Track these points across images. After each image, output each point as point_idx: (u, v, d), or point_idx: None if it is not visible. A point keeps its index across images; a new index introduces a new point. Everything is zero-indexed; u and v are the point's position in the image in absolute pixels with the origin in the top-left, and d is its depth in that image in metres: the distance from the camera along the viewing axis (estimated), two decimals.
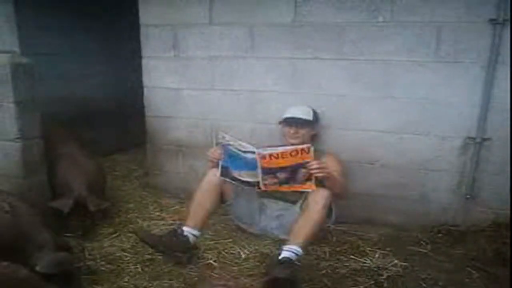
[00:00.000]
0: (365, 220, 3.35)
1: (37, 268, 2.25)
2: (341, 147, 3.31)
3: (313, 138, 3.26)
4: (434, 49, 3.03)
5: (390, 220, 3.33)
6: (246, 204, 3.09)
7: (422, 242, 3.05)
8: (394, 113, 3.21)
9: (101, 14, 4.76)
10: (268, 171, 2.67)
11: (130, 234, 3.15)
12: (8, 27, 4.09)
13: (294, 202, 3.00)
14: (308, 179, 2.65)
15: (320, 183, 2.74)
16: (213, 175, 2.91)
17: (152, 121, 3.91)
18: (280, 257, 2.56)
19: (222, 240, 3.11)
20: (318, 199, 2.70)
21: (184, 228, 2.85)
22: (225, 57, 3.54)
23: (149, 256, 2.86)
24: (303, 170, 2.63)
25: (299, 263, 2.57)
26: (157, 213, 3.56)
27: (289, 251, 2.57)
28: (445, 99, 3.08)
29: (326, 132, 3.37)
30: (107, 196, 3.54)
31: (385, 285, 2.59)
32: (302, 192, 2.82)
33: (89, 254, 2.88)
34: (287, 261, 2.52)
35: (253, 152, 2.64)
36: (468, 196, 3.15)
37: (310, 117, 3.15)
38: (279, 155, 2.61)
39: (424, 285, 2.58)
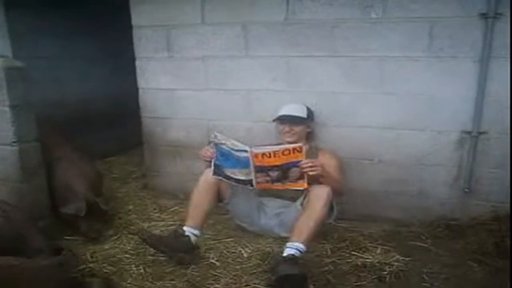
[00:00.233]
0: (365, 216, 3.37)
1: None
2: (338, 144, 3.32)
3: (309, 136, 3.27)
4: (428, 45, 3.04)
5: (390, 215, 3.35)
6: (245, 203, 3.08)
7: (422, 236, 3.07)
8: (390, 109, 3.22)
9: (94, 16, 4.72)
10: (261, 169, 2.68)
11: (131, 236, 3.14)
12: None
13: (293, 200, 3.00)
14: (301, 177, 2.66)
15: (315, 181, 2.75)
16: (209, 174, 2.91)
17: (148, 122, 3.90)
18: (284, 254, 2.57)
19: (223, 240, 3.11)
20: (320, 196, 2.71)
21: (185, 228, 2.84)
22: (219, 56, 3.54)
23: (151, 257, 2.86)
24: (295, 168, 2.63)
25: (302, 260, 2.58)
26: (157, 214, 3.56)
27: (293, 248, 2.59)
28: (440, 94, 3.10)
29: (323, 130, 3.38)
30: (106, 197, 3.53)
31: (388, 280, 2.60)
32: (298, 190, 2.82)
33: (91, 257, 2.88)
34: (292, 257, 2.53)
35: (246, 151, 2.65)
36: (466, 190, 3.17)
37: (304, 114, 3.15)
38: (271, 154, 2.62)
39: (426, 279, 2.60)
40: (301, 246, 2.60)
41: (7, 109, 2.95)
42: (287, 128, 3.11)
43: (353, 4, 3.12)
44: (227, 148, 2.72)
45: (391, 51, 3.12)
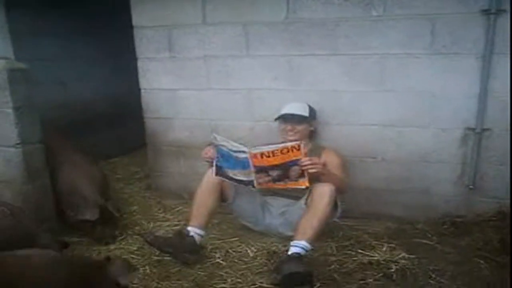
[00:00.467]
0: (370, 214, 3.37)
1: None
2: (341, 143, 3.32)
3: (311, 134, 3.27)
4: (429, 42, 3.04)
5: (395, 213, 3.34)
6: (248, 203, 3.09)
7: (428, 234, 3.07)
8: (392, 107, 3.22)
9: (95, 16, 4.72)
10: (261, 169, 2.68)
11: (136, 236, 3.14)
12: (0, 33, 4.06)
13: (297, 198, 2.99)
14: (301, 175, 2.64)
15: (316, 179, 2.75)
16: (212, 175, 2.90)
17: (151, 123, 3.90)
18: (289, 253, 2.57)
19: (228, 239, 3.12)
20: (324, 194, 2.71)
21: (189, 228, 2.84)
22: (220, 56, 3.54)
23: (156, 258, 2.86)
24: (296, 167, 2.63)
25: (307, 258, 2.59)
26: (161, 214, 3.56)
27: (297, 247, 2.59)
28: (442, 91, 3.09)
29: (326, 128, 3.37)
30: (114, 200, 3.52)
31: (394, 277, 2.61)
32: (301, 189, 2.80)
33: None
34: (297, 256, 2.53)
35: (245, 152, 2.64)
36: (470, 187, 3.16)
37: (306, 113, 3.15)
38: (270, 154, 2.61)
39: (433, 276, 2.60)
40: (306, 244, 2.60)
41: (10, 111, 2.95)
42: (289, 127, 3.10)
43: (354, 2, 3.11)
44: (226, 150, 2.72)
45: (393, 48, 3.12)
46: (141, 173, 4.56)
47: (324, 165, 2.77)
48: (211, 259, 2.86)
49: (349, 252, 2.90)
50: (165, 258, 2.84)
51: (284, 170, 2.65)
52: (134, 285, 2.57)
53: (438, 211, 3.25)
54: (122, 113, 5.06)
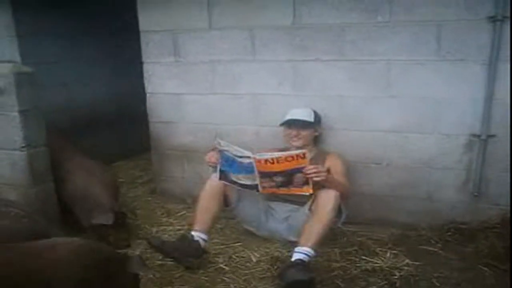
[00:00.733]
0: (374, 220, 3.35)
1: None
2: (346, 148, 3.32)
3: (316, 140, 3.26)
4: (435, 48, 3.03)
5: (399, 219, 3.33)
6: (252, 207, 3.09)
7: (432, 241, 3.05)
8: (397, 113, 3.21)
9: (101, 20, 4.73)
10: (265, 175, 2.67)
11: (140, 240, 3.14)
12: (7, 36, 4.09)
13: (301, 204, 2.99)
14: (306, 182, 2.64)
15: (320, 185, 2.73)
16: (215, 179, 2.91)
17: (155, 127, 3.91)
18: (293, 259, 2.56)
19: (232, 244, 3.11)
20: (328, 200, 2.70)
21: (193, 233, 2.85)
22: (226, 61, 3.54)
23: (159, 262, 2.86)
24: (300, 174, 2.62)
25: (311, 265, 2.58)
26: (165, 219, 3.56)
27: (301, 253, 2.58)
28: (448, 97, 3.08)
29: (330, 134, 3.37)
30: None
31: (398, 284, 2.60)
32: (306, 195, 2.80)
33: None
34: (301, 262, 2.53)
35: (249, 157, 2.64)
36: (475, 194, 3.14)
37: (311, 118, 3.14)
38: (275, 160, 2.60)
39: (437, 284, 2.59)
40: (309, 250, 2.60)
41: (16, 114, 2.96)
42: (294, 132, 3.10)
43: (360, 8, 3.11)
44: (231, 155, 2.71)
45: (398, 54, 3.11)
46: (145, 177, 4.56)
47: (329, 172, 2.77)
48: (214, 264, 2.85)
49: (352, 258, 2.89)
50: (168, 262, 2.84)
51: (289, 176, 2.64)
52: None
53: (442, 218, 3.22)
54: (125, 116, 5.06)
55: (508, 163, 3.05)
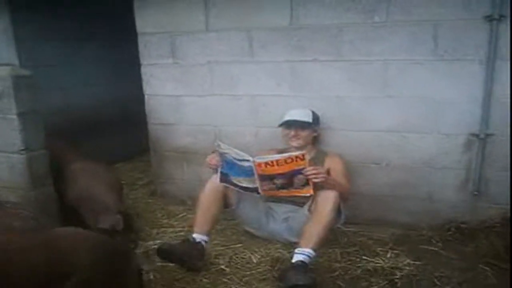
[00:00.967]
0: (374, 220, 3.35)
1: None
2: (345, 148, 3.32)
3: (315, 140, 3.26)
4: (432, 48, 3.03)
5: (399, 219, 3.33)
6: (252, 208, 3.08)
7: (432, 240, 3.06)
8: (395, 113, 3.21)
9: (100, 22, 4.74)
10: (265, 177, 2.67)
11: (141, 242, 3.14)
12: (5, 40, 4.08)
13: (301, 204, 2.99)
14: (306, 184, 2.64)
15: (319, 187, 2.73)
16: (216, 180, 2.90)
17: (154, 129, 3.90)
18: (294, 261, 2.56)
19: (232, 245, 3.11)
20: (327, 201, 2.70)
21: (194, 235, 2.84)
22: (223, 62, 3.54)
23: (160, 264, 2.84)
24: (300, 175, 2.62)
25: (312, 266, 2.58)
26: (165, 220, 3.56)
27: (302, 254, 2.58)
28: (446, 96, 3.08)
29: (329, 134, 3.37)
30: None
31: (399, 284, 2.59)
32: (306, 196, 2.80)
33: None
34: (301, 264, 2.53)
35: (248, 160, 2.64)
36: (475, 193, 3.15)
37: (309, 119, 3.14)
38: (274, 163, 2.60)
39: (438, 283, 2.59)
40: (310, 251, 2.60)
41: (14, 117, 2.96)
42: (293, 133, 3.10)
43: (357, 9, 3.12)
44: (231, 157, 2.71)
45: (396, 54, 3.12)
46: (145, 179, 4.56)
47: (328, 173, 2.76)
48: (215, 265, 2.85)
49: (353, 258, 2.89)
50: (169, 264, 2.83)
51: (289, 178, 2.64)
52: None
53: (442, 217, 3.23)
54: (124, 119, 5.06)
55: (507, 161, 3.05)
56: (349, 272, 2.74)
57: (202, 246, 2.80)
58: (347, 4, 3.13)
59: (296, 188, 2.69)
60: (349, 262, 2.85)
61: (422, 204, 3.28)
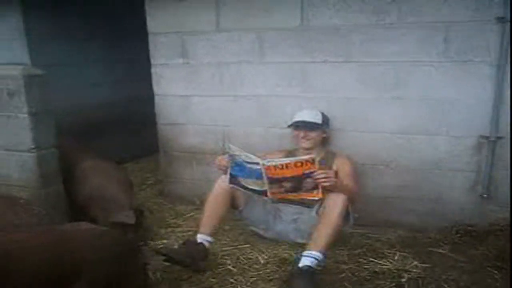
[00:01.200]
0: (382, 222, 3.34)
1: None
2: (354, 150, 3.31)
3: (324, 141, 3.25)
4: (443, 49, 3.02)
5: (407, 221, 3.32)
6: (260, 209, 3.09)
7: (440, 243, 3.05)
8: (405, 114, 3.20)
9: (111, 22, 4.78)
10: (274, 181, 2.66)
11: (148, 242, 3.15)
12: (17, 39, 4.12)
13: (309, 206, 2.98)
14: (315, 187, 2.63)
15: (328, 190, 2.73)
16: (223, 181, 2.91)
17: (164, 129, 3.92)
18: (301, 265, 2.55)
19: (239, 246, 3.11)
20: (336, 204, 2.70)
21: (199, 235, 2.85)
22: (233, 63, 3.55)
23: (167, 264, 2.83)
24: (309, 179, 2.61)
25: (320, 267, 2.59)
26: (173, 220, 3.57)
27: (309, 257, 2.58)
28: (456, 98, 3.07)
29: (338, 135, 3.36)
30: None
31: (406, 287, 2.59)
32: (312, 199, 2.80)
33: None
34: (309, 269, 2.52)
35: (258, 163, 2.63)
36: (484, 196, 3.13)
37: (319, 120, 3.14)
38: (284, 166, 2.59)
39: (446, 286, 2.57)
40: (318, 254, 2.59)
41: (26, 116, 2.99)
42: (302, 134, 3.10)
43: (367, 10, 3.11)
44: (240, 160, 2.71)
45: (406, 56, 3.11)
46: (153, 179, 4.59)
47: (336, 175, 2.77)
48: (222, 266, 2.86)
49: (361, 260, 2.88)
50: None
51: (298, 182, 2.64)
52: None
53: (451, 220, 3.21)
54: (134, 118, 5.08)
55: None
56: (356, 274, 2.74)
57: (204, 246, 2.80)
58: (358, 6, 3.12)
59: (305, 192, 2.68)
60: (356, 264, 2.84)
61: (431, 206, 3.27)
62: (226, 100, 3.64)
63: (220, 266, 2.85)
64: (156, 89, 3.84)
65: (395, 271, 2.73)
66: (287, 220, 3.09)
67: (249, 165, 2.68)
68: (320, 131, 3.14)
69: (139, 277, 2.33)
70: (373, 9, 3.10)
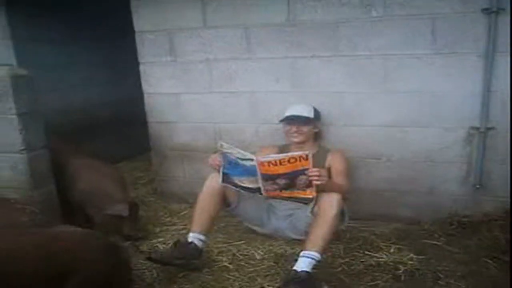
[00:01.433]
0: (376, 215, 3.36)
1: None
2: (345, 144, 3.32)
3: (316, 136, 3.25)
4: (430, 41, 3.03)
5: (401, 214, 3.34)
6: (253, 206, 3.08)
7: (435, 234, 3.06)
8: (395, 107, 3.21)
9: (98, 22, 4.74)
10: (268, 177, 2.64)
11: (142, 241, 3.14)
12: (3, 40, 4.06)
13: (304, 202, 2.96)
14: (309, 185, 2.61)
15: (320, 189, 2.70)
16: (213, 179, 2.89)
17: (155, 127, 3.90)
18: (299, 270, 2.50)
19: (235, 242, 3.11)
20: (331, 204, 2.67)
21: (190, 234, 2.82)
22: (222, 59, 3.54)
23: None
24: (303, 176, 2.59)
25: (317, 268, 2.58)
26: (168, 219, 3.57)
27: (307, 257, 2.54)
28: (445, 90, 3.08)
29: (329, 130, 3.37)
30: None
31: (403, 278, 2.60)
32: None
33: None
34: (307, 274, 2.49)
35: (252, 160, 2.61)
36: (477, 186, 3.15)
37: (311, 114, 3.13)
38: (278, 162, 2.57)
39: (441, 276, 2.59)
40: (316, 254, 2.56)
41: (14, 117, 2.96)
42: (294, 129, 3.09)
43: (354, 3, 3.11)
44: (233, 157, 2.69)
45: (394, 49, 3.11)
46: (146, 178, 4.57)
47: (329, 171, 2.76)
48: (218, 263, 2.85)
49: (356, 253, 2.89)
50: None
51: (292, 179, 2.61)
52: None
53: (445, 211, 3.23)
54: (125, 117, 5.06)
55: (508, 154, 3.05)
56: (353, 267, 2.75)
57: (196, 245, 2.76)
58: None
59: (298, 190, 2.66)
60: (352, 258, 2.85)
61: (424, 198, 3.29)
62: (216, 97, 3.63)
63: (216, 263, 2.84)
64: (145, 87, 3.82)
65: (391, 263, 2.74)
66: (282, 216, 3.08)
67: (242, 162, 2.66)
68: (312, 126, 3.14)
69: (124, 278, 2.35)
70: (359, 3, 3.10)
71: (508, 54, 2.90)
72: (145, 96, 3.84)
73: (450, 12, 2.95)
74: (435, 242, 2.97)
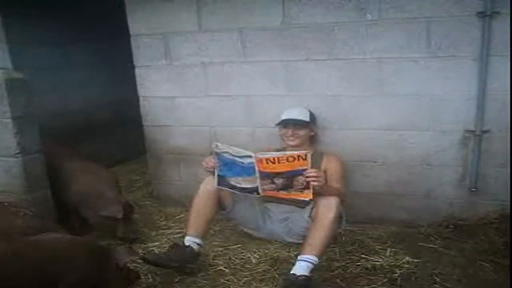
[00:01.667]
0: (373, 218, 3.36)
1: None
2: (341, 147, 3.31)
3: (312, 140, 3.25)
4: (425, 45, 3.03)
5: (397, 217, 3.33)
6: (248, 210, 3.07)
7: (431, 237, 3.06)
8: (391, 111, 3.21)
9: (93, 25, 4.73)
10: (266, 176, 2.62)
11: (138, 245, 3.12)
12: None
13: (300, 206, 2.96)
14: (306, 187, 2.59)
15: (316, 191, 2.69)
16: (208, 183, 2.88)
17: (150, 131, 3.89)
18: (298, 274, 2.50)
19: (231, 246, 3.10)
20: (330, 208, 2.67)
21: (186, 238, 2.82)
22: (217, 63, 3.53)
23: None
24: (301, 177, 2.58)
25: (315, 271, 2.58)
26: (163, 222, 3.56)
27: (305, 261, 2.54)
28: (440, 93, 3.08)
29: (325, 133, 3.36)
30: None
31: (399, 282, 2.60)
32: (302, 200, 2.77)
33: None
34: (305, 278, 2.49)
35: (250, 156, 2.59)
36: (473, 189, 3.15)
37: (307, 118, 3.13)
38: (276, 160, 2.55)
39: (437, 280, 2.59)
40: (314, 258, 2.56)
41: (9, 120, 2.95)
42: (290, 132, 3.09)
43: (349, 7, 3.11)
44: (230, 157, 2.66)
45: (389, 52, 3.11)
46: (142, 181, 4.56)
47: (325, 177, 2.76)
48: (214, 267, 2.84)
49: (352, 257, 2.89)
50: None
51: (289, 179, 2.60)
52: None
53: (441, 214, 3.23)
54: (120, 121, 5.05)
55: (505, 158, 3.05)
56: (349, 270, 2.74)
57: (192, 249, 2.76)
58: (339, 3, 3.11)
59: (296, 191, 2.64)
60: (348, 261, 2.84)
61: (420, 201, 3.28)
62: (212, 100, 3.62)
63: (212, 267, 2.84)
64: (140, 91, 3.81)
65: (387, 267, 2.74)
66: (277, 219, 3.07)
67: (239, 160, 2.63)
68: (308, 129, 3.14)
69: (114, 281, 2.35)
70: (354, 6, 3.10)
71: (503, 56, 2.90)
72: (141, 99, 3.83)
73: (445, 15, 2.95)
74: (431, 245, 2.97)
